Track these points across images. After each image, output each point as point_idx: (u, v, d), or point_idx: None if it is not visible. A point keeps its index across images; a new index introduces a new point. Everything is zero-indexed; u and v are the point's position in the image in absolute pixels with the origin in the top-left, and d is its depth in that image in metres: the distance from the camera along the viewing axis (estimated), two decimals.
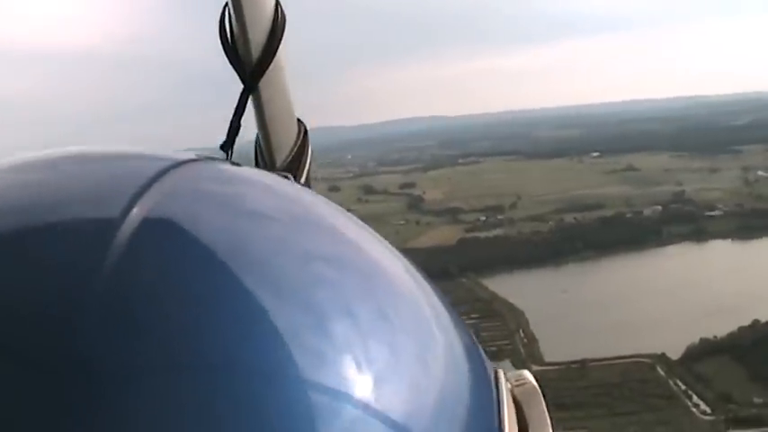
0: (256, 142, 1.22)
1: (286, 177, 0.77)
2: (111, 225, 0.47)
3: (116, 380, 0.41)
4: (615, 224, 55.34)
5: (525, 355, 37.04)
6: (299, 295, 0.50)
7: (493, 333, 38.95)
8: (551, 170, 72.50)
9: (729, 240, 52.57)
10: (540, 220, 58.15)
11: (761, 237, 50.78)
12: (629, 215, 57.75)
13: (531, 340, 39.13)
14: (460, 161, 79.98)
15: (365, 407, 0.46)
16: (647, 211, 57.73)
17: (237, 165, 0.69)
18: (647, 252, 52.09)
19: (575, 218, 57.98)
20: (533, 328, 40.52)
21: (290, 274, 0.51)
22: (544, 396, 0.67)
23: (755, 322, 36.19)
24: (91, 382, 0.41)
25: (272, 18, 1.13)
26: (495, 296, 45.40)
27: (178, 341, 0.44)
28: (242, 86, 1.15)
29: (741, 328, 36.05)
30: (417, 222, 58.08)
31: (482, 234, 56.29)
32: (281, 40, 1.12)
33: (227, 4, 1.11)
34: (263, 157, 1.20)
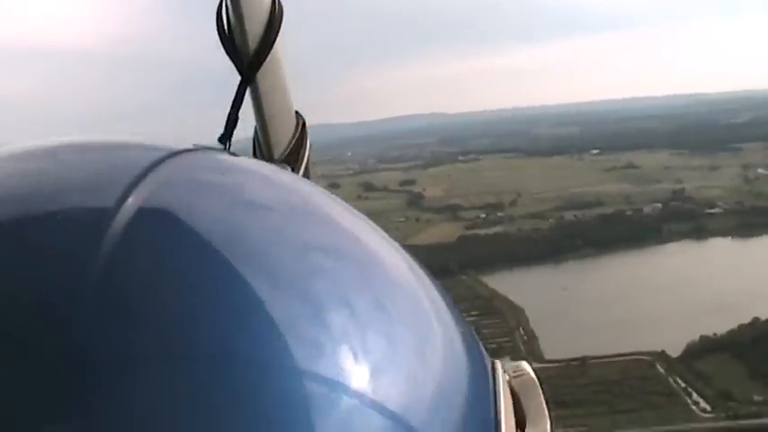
0: (254, 134, 1.22)
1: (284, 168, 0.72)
2: (106, 214, 0.47)
3: (112, 369, 0.41)
4: (615, 222, 55.24)
5: (525, 352, 36.91)
6: (296, 285, 0.49)
7: (493, 330, 38.89)
8: (551, 168, 72.39)
9: (729, 238, 52.51)
10: (540, 217, 58.08)
11: (761, 234, 50.71)
12: (629, 213, 57.68)
13: (531, 337, 39.10)
14: (460, 158, 79.83)
15: (362, 397, 0.46)
16: (647, 209, 57.66)
17: (235, 155, 0.68)
18: (647, 249, 52.01)
19: (575, 215, 57.89)
20: (533, 325, 40.48)
21: (288, 264, 0.51)
22: (543, 389, 0.67)
23: (755, 320, 36.09)
24: (86, 371, 0.40)
25: (269, 9, 1.13)
26: (495, 293, 45.31)
27: (174, 331, 0.44)
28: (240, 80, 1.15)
29: (741, 326, 35.96)
30: (417, 219, 58.03)
31: (482, 231, 56.21)
32: (278, 31, 1.13)
33: None
34: (262, 150, 1.20)
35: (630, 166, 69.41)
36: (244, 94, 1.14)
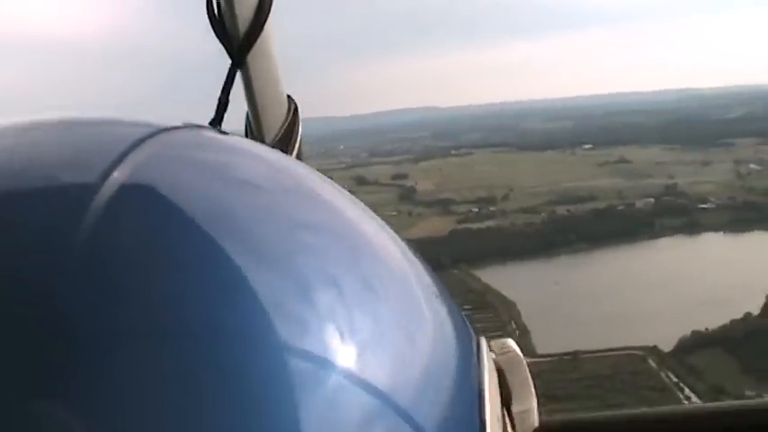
0: (246, 119, 1.24)
1: None
2: (89, 189, 0.46)
3: (96, 344, 0.40)
4: (607, 216, 55.17)
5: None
6: (283, 263, 0.49)
7: (485, 324, 38.75)
8: (543, 162, 72.28)
9: (722, 233, 52.51)
10: (532, 211, 57.95)
11: (753, 229, 50.74)
12: (621, 207, 57.56)
13: (524, 332, 38.97)
14: (452, 152, 79.68)
15: (348, 375, 0.46)
16: (639, 204, 57.55)
17: (225, 133, 0.67)
18: (640, 244, 51.95)
19: (567, 210, 57.77)
20: (525, 319, 40.39)
21: (275, 242, 0.50)
22: (536, 386, 0.66)
23: (748, 315, 36.06)
24: (70, 346, 0.40)
25: None
26: (487, 288, 45.22)
27: (159, 306, 0.43)
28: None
29: (733, 321, 35.91)
30: (409, 213, 57.83)
31: (474, 225, 56.07)
32: (268, 14, 1.15)
33: None
34: (254, 134, 1.22)
35: (623, 160, 69.35)
36: (234, 78, 1.16)
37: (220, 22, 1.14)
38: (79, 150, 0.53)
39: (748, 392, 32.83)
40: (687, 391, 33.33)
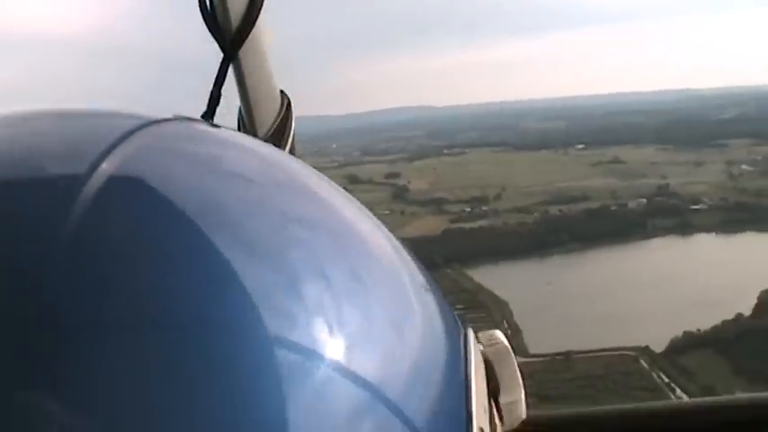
0: (239, 114, 1.23)
1: None
2: (78, 180, 0.46)
3: (83, 335, 0.40)
4: (600, 216, 55.23)
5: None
6: (272, 255, 0.48)
7: (477, 324, 37.45)
8: (537, 162, 72.33)
9: (714, 234, 52.64)
10: (525, 211, 57.99)
11: (745, 230, 50.89)
12: (614, 207, 57.66)
13: (516, 332, 38.98)
14: (446, 152, 79.69)
15: (336, 368, 0.45)
16: (632, 204, 57.66)
17: (217, 126, 0.67)
18: (632, 245, 52.05)
19: (560, 210, 57.83)
20: (518, 319, 40.38)
21: (264, 234, 0.50)
22: (526, 381, 0.66)
23: (739, 316, 36.14)
24: (57, 336, 0.39)
25: None
26: (479, 287, 45.23)
27: (146, 297, 0.42)
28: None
29: (725, 322, 35.99)
30: (402, 212, 57.80)
31: (467, 225, 56.08)
32: (260, 8, 1.14)
33: None
34: (246, 129, 1.21)
35: (616, 161, 69.46)
36: (226, 71, 1.16)
37: (212, 16, 1.14)
38: (68, 142, 0.52)
39: (739, 393, 32.89)
40: (679, 391, 33.38)
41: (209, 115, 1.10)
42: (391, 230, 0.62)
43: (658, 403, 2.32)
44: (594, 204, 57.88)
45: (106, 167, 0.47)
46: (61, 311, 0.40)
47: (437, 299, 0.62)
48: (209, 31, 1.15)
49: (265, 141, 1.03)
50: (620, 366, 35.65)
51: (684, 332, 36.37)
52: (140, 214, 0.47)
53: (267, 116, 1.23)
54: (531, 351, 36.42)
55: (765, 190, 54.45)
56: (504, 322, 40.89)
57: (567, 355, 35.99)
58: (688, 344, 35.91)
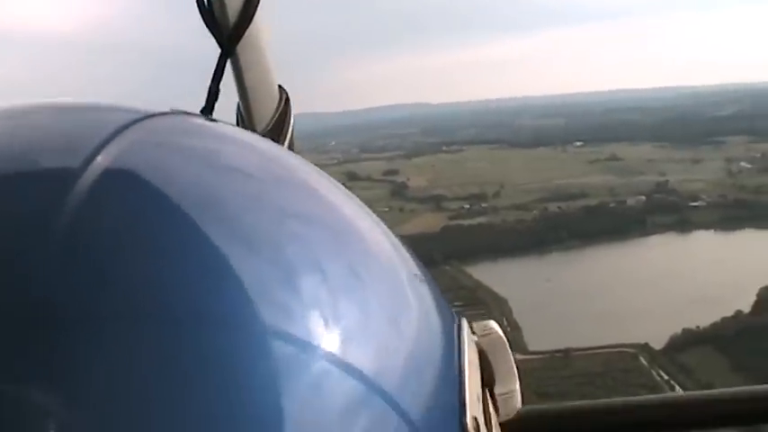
0: (237, 109, 1.23)
1: None
2: (73, 173, 0.46)
3: (77, 328, 0.40)
4: (599, 214, 55.26)
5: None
6: (268, 249, 0.48)
7: (476, 321, 38.70)
8: (535, 159, 72.38)
9: (712, 231, 52.68)
10: (523, 208, 58.02)
11: (743, 228, 50.95)
12: (612, 205, 57.69)
13: (515, 329, 38.98)
14: (444, 149, 79.66)
15: (333, 362, 0.45)
16: (630, 201, 57.70)
17: (214, 120, 0.66)
18: (631, 242, 52.13)
19: (558, 207, 57.87)
20: (517, 316, 40.37)
21: (261, 228, 0.50)
22: (522, 378, 0.66)
23: (738, 313, 36.19)
24: (51, 329, 0.39)
25: None
26: (478, 284, 45.24)
27: (142, 291, 0.42)
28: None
29: (724, 319, 36.04)
30: (401, 209, 57.79)
31: (466, 222, 56.09)
32: (257, 3, 1.14)
33: None
34: (245, 124, 1.21)
35: (614, 158, 69.47)
36: (224, 67, 1.16)
37: (210, 12, 1.14)
38: (64, 135, 0.52)
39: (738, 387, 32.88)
40: (678, 389, 33.37)
41: (207, 111, 1.10)
42: (390, 228, 0.62)
43: (654, 396, 2.29)
44: (593, 201, 57.92)
45: (101, 160, 0.47)
46: (56, 304, 0.40)
47: (432, 290, 0.62)
48: (207, 26, 1.15)
49: (264, 137, 1.01)
50: (620, 363, 35.68)
51: (684, 329, 36.40)
52: (135, 207, 0.47)
53: (265, 111, 1.23)
54: (531, 348, 36.45)
55: (764, 187, 54.52)
56: (504, 319, 40.88)
57: (567, 352, 35.98)
58: (687, 341, 35.94)
